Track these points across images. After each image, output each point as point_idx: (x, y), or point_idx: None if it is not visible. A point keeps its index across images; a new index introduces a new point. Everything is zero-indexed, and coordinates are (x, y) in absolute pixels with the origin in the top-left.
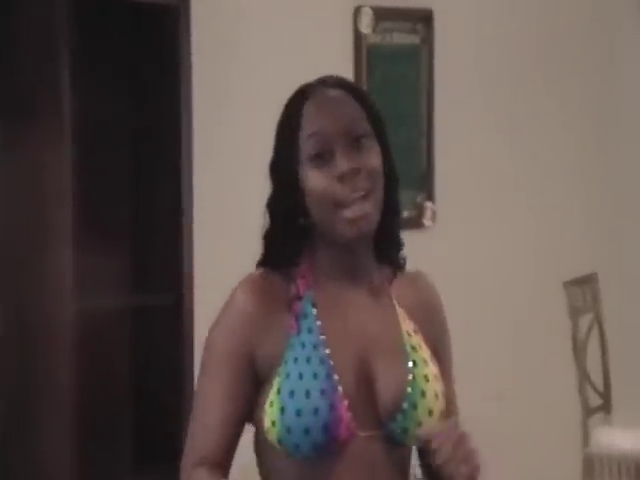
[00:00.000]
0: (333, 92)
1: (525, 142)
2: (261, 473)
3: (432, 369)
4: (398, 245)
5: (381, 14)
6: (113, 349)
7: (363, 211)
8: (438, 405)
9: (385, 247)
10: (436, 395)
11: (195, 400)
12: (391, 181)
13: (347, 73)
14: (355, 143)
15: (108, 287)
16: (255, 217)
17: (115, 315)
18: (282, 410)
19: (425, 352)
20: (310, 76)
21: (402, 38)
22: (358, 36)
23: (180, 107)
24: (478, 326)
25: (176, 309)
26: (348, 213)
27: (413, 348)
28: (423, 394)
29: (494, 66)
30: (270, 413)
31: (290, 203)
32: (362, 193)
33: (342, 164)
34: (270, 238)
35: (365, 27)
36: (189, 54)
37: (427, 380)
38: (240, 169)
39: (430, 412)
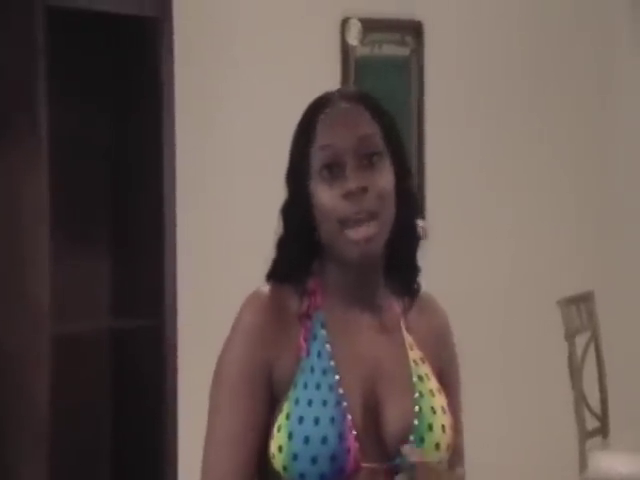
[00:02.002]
0: (349, 105)
1: (518, 157)
2: None
3: (439, 401)
4: (414, 270)
5: (369, 26)
6: (92, 375)
7: (367, 233)
8: (445, 438)
9: (399, 272)
10: (443, 428)
11: (211, 429)
12: (407, 202)
13: (334, 85)
14: (366, 161)
15: (87, 310)
16: (242, 237)
17: (94, 339)
18: (290, 436)
19: (432, 383)
20: (298, 88)
21: (391, 50)
22: (346, 48)
23: (162, 122)
24: (469, 346)
25: (158, 332)
26: (352, 234)
27: (420, 378)
28: (430, 427)
29: (484, 78)
30: (277, 438)
31: (301, 216)
32: (368, 214)
33: (350, 181)
34: (281, 251)
35: (353, 39)
36: (171, 67)
37: (434, 412)
38: (226, 186)
39: (437, 446)
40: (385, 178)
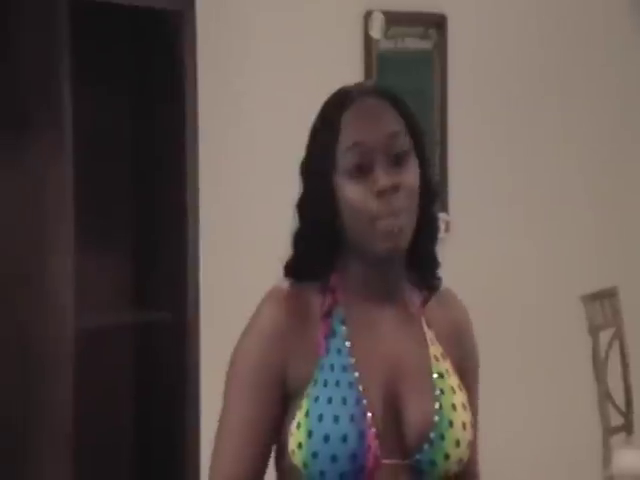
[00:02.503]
0: (373, 101)
1: (542, 151)
2: None
3: (460, 397)
4: (434, 263)
5: (392, 19)
6: (115, 367)
7: (398, 225)
8: (466, 435)
9: (420, 265)
10: (464, 425)
11: (222, 421)
12: (428, 196)
13: (357, 79)
14: (395, 158)
15: (110, 303)
16: (264, 229)
17: (117, 332)
18: (309, 434)
19: (453, 379)
20: (320, 81)
21: (414, 43)
22: (369, 41)
23: (185, 115)
24: (492, 342)
25: (181, 325)
26: (382, 225)
27: (440, 374)
28: (451, 424)
29: (509, 73)
30: (297, 435)
31: (323, 211)
32: (399, 210)
33: (382, 180)
34: (300, 245)
35: (376, 32)
36: (194, 60)
37: (454, 409)
38: (249, 180)
39: (457, 443)
40: (413, 175)
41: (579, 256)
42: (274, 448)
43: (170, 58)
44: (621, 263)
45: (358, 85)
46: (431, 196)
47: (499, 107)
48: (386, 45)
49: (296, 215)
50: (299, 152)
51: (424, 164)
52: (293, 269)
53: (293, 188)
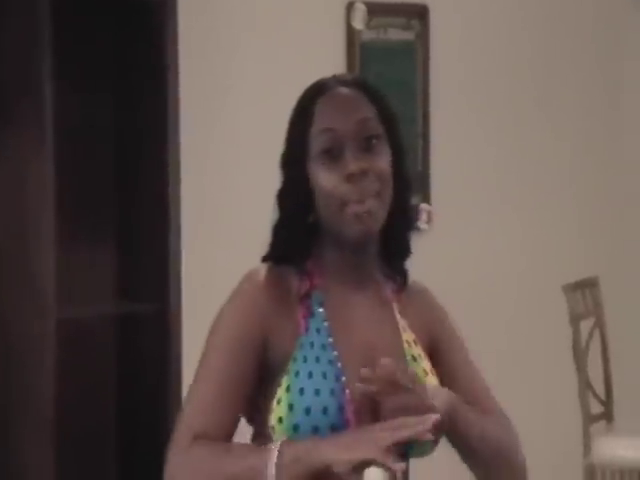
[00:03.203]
0: (347, 90)
1: (524, 142)
2: None
3: (432, 380)
4: (406, 251)
5: (375, 9)
6: (97, 358)
7: (367, 209)
8: None
9: (393, 252)
10: None
11: (196, 378)
12: (402, 184)
13: (340, 70)
14: (366, 144)
15: (92, 295)
16: (246, 221)
17: (99, 323)
18: (290, 407)
19: (425, 363)
20: (302, 73)
21: (396, 34)
22: (351, 32)
23: (167, 108)
24: (474, 331)
25: (162, 317)
26: (354, 208)
27: (413, 358)
28: None
29: (491, 63)
30: (277, 410)
31: (299, 199)
32: (369, 194)
33: (351, 164)
34: (279, 233)
35: (358, 23)
36: (176, 52)
37: None
38: (230, 172)
39: None
40: (384, 160)
41: (560, 246)
42: (251, 432)
43: (152, 50)
44: (602, 253)
45: (335, 76)
46: (405, 183)
47: (481, 98)
48: (368, 36)
49: (275, 205)
50: (281, 143)
51: (397, 151)
52: (272, 255)
53: (275, 179)
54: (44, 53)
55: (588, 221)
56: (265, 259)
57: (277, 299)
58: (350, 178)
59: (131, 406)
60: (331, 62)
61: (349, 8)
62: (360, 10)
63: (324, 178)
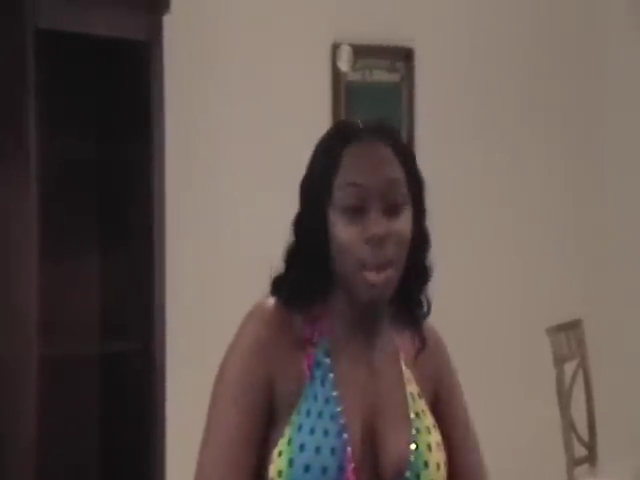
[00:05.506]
0: (377, 144)
1: (509, 184)
2: None
3: (435, 437)
4: (421, 308)
5: (360, 51)
6: (80, 395)
7: (386, 278)
8: (440, 476)
9: (407, 307)
10: (438, 466)
11: (208, 441)
12: (422, 245)
13: (325, 111)
14: (391, 207)
15: (75, 331)
16: (233, 259)
17: (82, 360)
18: (290, 462)
19: (429, 419)
20: (289, 113)
21: (382, 76)
22: (336, 73)
23: (152, 144)
24: (458, 373)
25: (147, 355)
26: (370, 277)
27: (417, 414)
28: (426, 464)
29: (475, 105)
30: (278, 463)
31: (316, 241)
32: (387, 261)
33: (374, 227)
34: (292, 269)
35: (344, 64)
36: (162, 92)
37: (430, 449)
38: (217, 208)
39: None
40: (406, 225)
41: (544, 289)
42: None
43: (137, 88)
44: (585, 295)
45: (363, 122)
46: (425, 243)
47: (465, 139)
48: (354, 77)
49: (292, 233)
50: (267, 181)
51: (420, 214)
52: (283, 293)
53: (261, 214)
54: (28, 86)
55: (572, 265)
56: (275, 293)
57: (283, 342)
58: (370, 241)
59: (114, 442)
60: (317, 102)
61: (335, 49)
62: (346, 51)
63: (344, 231)
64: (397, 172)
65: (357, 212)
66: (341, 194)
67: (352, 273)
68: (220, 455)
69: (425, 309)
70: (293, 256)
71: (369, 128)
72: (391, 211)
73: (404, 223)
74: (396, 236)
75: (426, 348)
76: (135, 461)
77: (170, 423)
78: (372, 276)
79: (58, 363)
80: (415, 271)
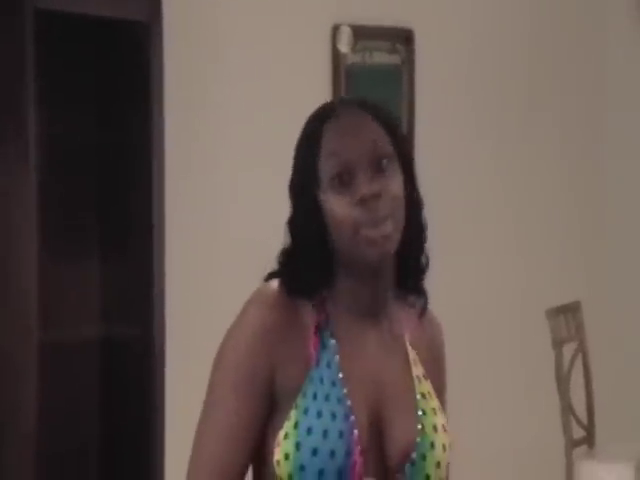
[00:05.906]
0: (354, 113)
1: (510, 167)
2: None
3: (441, 419)
4: (422, 271)
5: (360, 33)
6: (80, 382)
7: (385, 231)
8: (445, 457)
9: (409, 273)
10: (444, 447)
11: (205, 424)
12: (414, 204)
13: (325, 93)
14: (377, 166)
15: (75, 318)
16: (230, 247)
17: (82, 347)
18: (297, 446)
19: (434, 401)
20: (288, 95)
21: (382, 57)
22: (336, 55)
23: (152, 127)
24: (456, 356)
25: (146, 341)
26: (369, 233)
27: (423, 396)
28: (432, 445)
29: (475, 86)
30: (284, 446)
31: (311, 227)
32: (382, 217)
33: (363, 188)
34: (291, 263)
35: (344, 46)
36: (161, 72)
37: (436, 431)
38: (215, 196)
39: (438, 464)
40: (396, 182)
41: (543, 271)
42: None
43: (137, 68)
44: (584, 278)
45: (340, 99)
46: (417, 203)
47: (466, 121)
48: (354, 59)
49: (287, 233)
50: (267, 164)
51: (409, 170)
52: (287, 284)
53: (261, 202)
54: (27, 69)
55: (571, 248)
56: (273, 276)
57: (286, 324)
58: (362, 202)
59: (114, 428)
60: (317, 85)
61: (335, 31)
62: (346, 33)
63: (336, 204)
64: (376, 132)
65: (345, 182)
66: (325, 168)
67: (350, 238)
68: (220, 435)
69: (424, 264)
70: (290, 255)
71: (345, 102)
72: (378, 171)
73: (394, 180)
74: (387, 193)
75: (427, 333)
76: (135, 446)
77: (170, 408)
78: (370, 233)
79: (58, 349)
80: (411, 233)
